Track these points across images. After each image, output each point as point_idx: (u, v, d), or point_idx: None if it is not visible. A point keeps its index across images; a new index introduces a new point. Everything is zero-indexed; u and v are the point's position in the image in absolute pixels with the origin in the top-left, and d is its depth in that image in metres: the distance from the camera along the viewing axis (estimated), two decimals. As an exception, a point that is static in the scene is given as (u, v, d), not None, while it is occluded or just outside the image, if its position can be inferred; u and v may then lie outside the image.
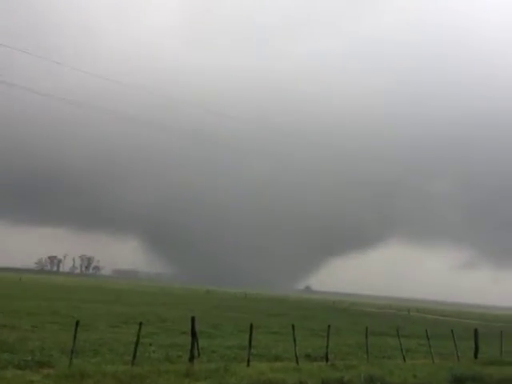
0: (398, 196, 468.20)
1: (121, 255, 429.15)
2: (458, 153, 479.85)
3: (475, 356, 26.02)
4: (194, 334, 18.28)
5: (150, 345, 21.95)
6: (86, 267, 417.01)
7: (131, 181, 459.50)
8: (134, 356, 16.85)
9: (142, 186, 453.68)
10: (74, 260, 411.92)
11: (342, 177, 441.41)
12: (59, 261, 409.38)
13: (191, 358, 17.94)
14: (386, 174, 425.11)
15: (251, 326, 19.30)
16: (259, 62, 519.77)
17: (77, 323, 16.45)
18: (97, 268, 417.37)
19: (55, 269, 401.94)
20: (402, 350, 23.50)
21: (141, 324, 17.68)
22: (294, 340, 20.35)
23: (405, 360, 22.84)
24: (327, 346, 21.41)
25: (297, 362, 19.57)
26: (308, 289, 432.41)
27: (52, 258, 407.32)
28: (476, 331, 27.05)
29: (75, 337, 16.23)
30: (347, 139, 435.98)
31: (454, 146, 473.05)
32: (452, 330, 26.69)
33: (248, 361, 18.49)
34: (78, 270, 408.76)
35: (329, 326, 22.87)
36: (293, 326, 20.93)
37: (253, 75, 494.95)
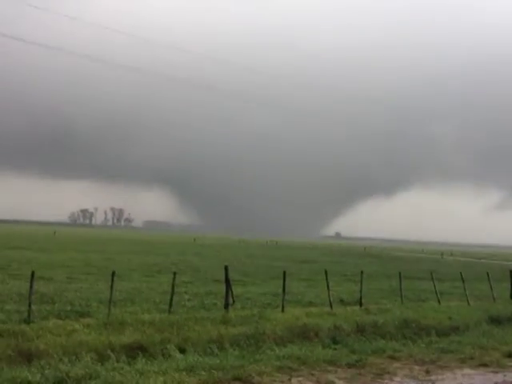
0: (408, 143, 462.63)
1: (150, 207, 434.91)
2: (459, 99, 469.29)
3: (511, 297, 25.84)
4: (227, 282, 18.38)
5: (185, 293, 22.20)
6: (118, 219, 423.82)
7: (148, 136, 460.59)
8: (170, 304, 17.04)
9: (158, 140, 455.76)
10: (105, 213, 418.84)
11: (347, 128, 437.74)
12: (91, 214, 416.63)
13: (226, 306, 18.07)
14: (391, 122, 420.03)
15: (284, 273, 19.34)
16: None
17: (113, 273, 16.64)
18: (128, 220, 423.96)
19: (88, 222, 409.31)
20: (436, 292, 23.38)
21: (175, 273, 17.81)
22: (328, 285, 20.37)
23: (439, 302, 22.74)
24: (361, 291, 21.39)
25: (331, 307, 19.60)
26: (338, 235, 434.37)
27: (84, 212, 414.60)
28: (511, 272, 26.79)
29: (112, 287, 16.43)
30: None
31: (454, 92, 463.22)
32: (487, 272, 26.49)
33: (282, 307, 18.58)
34: (110, 223, 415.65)
35: (361, 272, 22.86)
36: (325, 272, 20.92)
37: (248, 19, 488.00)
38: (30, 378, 9.79)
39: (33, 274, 15.00)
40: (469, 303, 23.20)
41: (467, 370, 12.77)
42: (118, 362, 11.28)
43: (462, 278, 24.99)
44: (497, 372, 12.70)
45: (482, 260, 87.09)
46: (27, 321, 14.29)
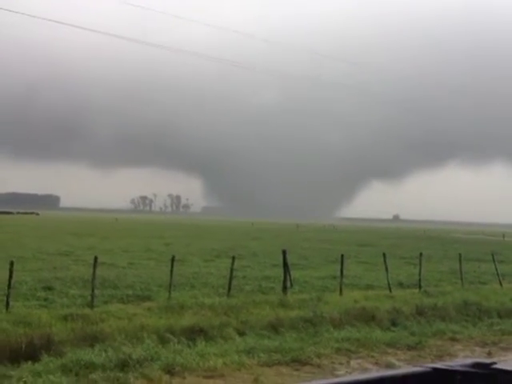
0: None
1: (205, 193, 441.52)
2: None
3: None
4: (285, 266, 18.48)
5: (244, 277, 22.42)
6: (176, 206, 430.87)
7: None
8: (229, 288, 17.27)
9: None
10: (164, 199, 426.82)
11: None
12: (150, 200, 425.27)
13: (284, 289, 18.18)
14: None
15: (342, 256, 19.31)
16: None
17: (173, 258, 16.96)
18: (186, 206, 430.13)
19: (147, 208, 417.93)
20: (498, 274, 22.87)
21: (234, 258, 18.02)
22: (386, 268, 20.21)
23: (501, 285, 22.26)
24: (420, 273, 21.12)
25: (390, 290, 19.47)
26: (396, 218, 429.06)
27: (143, 198, 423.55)
28: None
29: (172, 271, 16.76)
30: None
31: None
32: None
33: (340, 290, 18.56)
34: (169, 209, 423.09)
35: (420, 254, 22.50)
36: (384, 255, 20.78)
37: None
38: (94, 359, 10.10)
39: (96, 259, 15.44)
40: (533, 285, 22.63)
41: (531, 353, 12.50)
42: (178, 344, 11.53)
43: (526, 260, 24.39)
44: (563, 355, 12.38)
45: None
46: (90, 305, 14.75)
